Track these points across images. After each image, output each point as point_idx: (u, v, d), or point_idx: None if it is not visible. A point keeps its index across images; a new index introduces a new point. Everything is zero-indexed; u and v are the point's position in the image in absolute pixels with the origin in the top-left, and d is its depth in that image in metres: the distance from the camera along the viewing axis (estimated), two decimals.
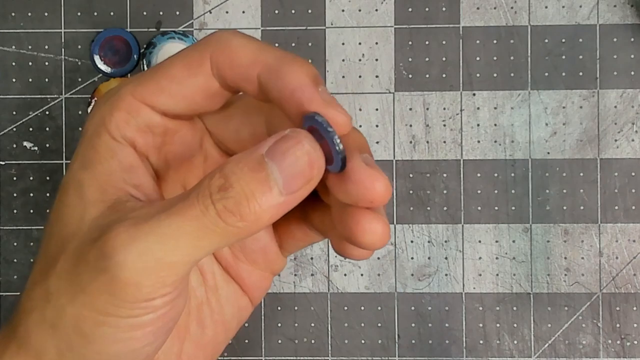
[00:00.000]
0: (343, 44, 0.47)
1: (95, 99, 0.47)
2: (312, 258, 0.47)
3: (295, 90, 0.31)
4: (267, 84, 0.31)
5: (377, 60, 0.47)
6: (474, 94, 0.47)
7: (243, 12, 0.47)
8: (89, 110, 0.47)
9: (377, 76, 0.46)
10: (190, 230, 0.29)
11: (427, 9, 0.46)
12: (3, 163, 0.47)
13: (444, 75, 0.46)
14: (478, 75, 0.46)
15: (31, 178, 0.47)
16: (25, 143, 0.47)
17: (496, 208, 0.47)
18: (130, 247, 0.29)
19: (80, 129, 0.47)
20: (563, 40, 0.46)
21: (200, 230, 0.29)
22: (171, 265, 0.29)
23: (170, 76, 0.33)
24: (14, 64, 0.47)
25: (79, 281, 0.30)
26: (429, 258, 0.46)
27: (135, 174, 0.33)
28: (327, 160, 0.30)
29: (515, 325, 0.46)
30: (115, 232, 0.29)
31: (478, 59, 0.46)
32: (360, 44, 0.47)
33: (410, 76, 0.46)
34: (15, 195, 0.47)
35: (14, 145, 0.47)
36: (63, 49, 0.47)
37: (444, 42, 0.46)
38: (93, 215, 0.31)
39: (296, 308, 0.47)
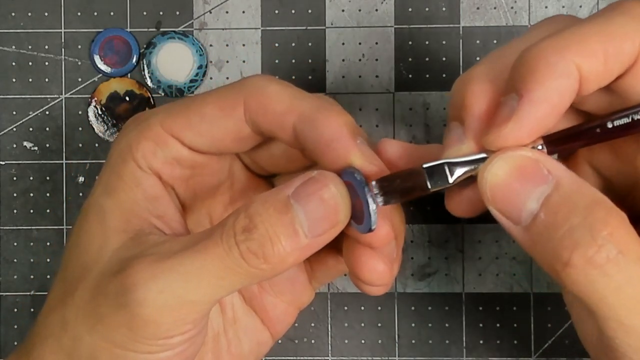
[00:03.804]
0: (343, 44, 0.47)
1: (95, 98, 0.47)
2: None
3: (332, 141, 0.30)
4: (303, 133, 0.30)
5: (377, 60, 0.47)
6: None
7: (243, 12, 0.47)
8: (89, 111, 0.47)
9: (377, 76, 0.46)
10: (212, 270, 0.28)
11: (427, 9, 0.46)
12: (3, 163, 0.47)
13: (444, 75, 0.46)
14: None
15: (31, 178, 0.47)
16: (25, 143, 0.47)
17: None
18: (151, 284, 0.28)
19: (80, 128, 0.47)
20: None
21: (222, 270, 0.28)
22: (192, 304, 0.28)
23: (201, 114, 0.32)
24: (14, 64, 0.47)
25: (97, 313, 0.29)
26: (429, 258, 0.46)
27: (160, 205, 0.32)
28: (358, 218, 0.30)
29: (515, 325, 0.46)
30: (136, 267, 0.28)
31: (478, 59, 0.46)
32: (360, 44, 0.47)
33: (410, 76, 0.46)
34: (15, 195, 0.47)
35: (14, 145, 0.47)
36: (63, 49, 0.47)
37: (444, 42, 0.46)
38: (114, 245, 0.30)
39: None
